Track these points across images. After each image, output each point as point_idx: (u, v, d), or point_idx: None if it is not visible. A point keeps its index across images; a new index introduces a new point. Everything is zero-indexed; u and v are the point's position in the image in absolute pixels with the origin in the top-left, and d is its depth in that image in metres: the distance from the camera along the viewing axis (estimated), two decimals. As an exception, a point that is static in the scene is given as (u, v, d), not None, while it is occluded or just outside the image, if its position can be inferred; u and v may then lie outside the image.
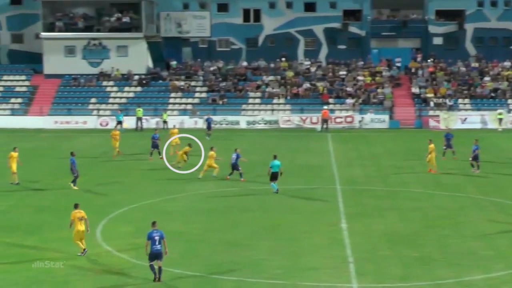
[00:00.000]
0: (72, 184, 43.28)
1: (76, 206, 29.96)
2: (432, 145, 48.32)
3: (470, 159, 48.49)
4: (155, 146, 53.70)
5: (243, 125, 76.38)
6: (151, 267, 26.39)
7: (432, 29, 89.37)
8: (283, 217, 36.37)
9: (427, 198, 40.78)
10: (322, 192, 42.63)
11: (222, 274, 27.18)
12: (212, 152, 46.60)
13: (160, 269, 26.30)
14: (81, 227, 29.30)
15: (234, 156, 46.39)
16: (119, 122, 72.11)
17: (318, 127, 74.93)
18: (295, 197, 41.09)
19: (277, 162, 41.68)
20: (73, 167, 43.17)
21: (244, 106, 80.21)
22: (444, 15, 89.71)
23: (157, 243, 26.42)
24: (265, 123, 76.93)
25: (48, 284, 26.44)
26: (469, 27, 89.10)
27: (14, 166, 44.74)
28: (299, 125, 76.43)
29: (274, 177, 41.51)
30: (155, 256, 26.35)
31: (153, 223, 27.02)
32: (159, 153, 53.72)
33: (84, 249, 29.27)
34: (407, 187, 44.04)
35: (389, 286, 26.20)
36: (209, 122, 66.64)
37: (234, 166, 46.20)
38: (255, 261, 28.86)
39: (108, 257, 29.36)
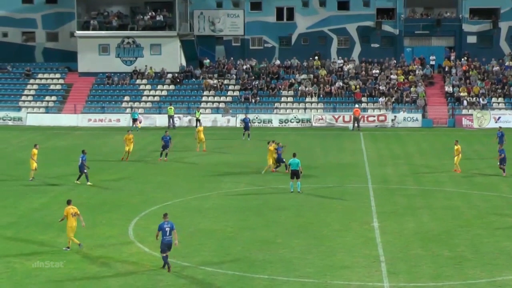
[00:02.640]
0: (78, 182, 44.40)
1: (68, 202, 30.52)
2: (458, 146, 48.26)
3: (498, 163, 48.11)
4: (165, 147, 53.50)
5: (275, 123, 76.57)
6: (164, 258, 27.18)
7: (466, 27, 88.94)
8: (316, 215, 36.54)
9: (460, 197, 40.69)
10: (354, 190, 42.82)
11: (254, 272, 27.36)
12: (271, 147, 47.71)
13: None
14: (74, 222, 29.96)
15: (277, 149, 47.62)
16: (134, 120, 73.64)
17: (350, 125, 75.03)
18: (328, 196, 41.16)
19: (296, 160, 41.91)
20: (83, 164, 44.05)
21: (276, 105, 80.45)
22: (478, 13, 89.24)
23: (167, 234, 27.32)
24: (297, 122, 77.06)
25: (80, 280, 26.72)
26: (504, 25, 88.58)
27: (33, 163, 45.66)
28: (331, 124, 76.51)
29: (293, 174, 41.75)
30: (166, 246, 27.22)
31: (165, 215, 27.92)
32: (166, 155, 53.54)
33: (79, 244, 29.98)
34: (440, 186, 44.03)
35: (421, 285, 26.14)
36: (246, 122, 66.35)
37: (279, 160, 47.30)
38: (287, 259, 29.00)
39: (140, 255, 29.61)
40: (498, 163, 47.54)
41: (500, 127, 59.43)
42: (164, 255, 27.25)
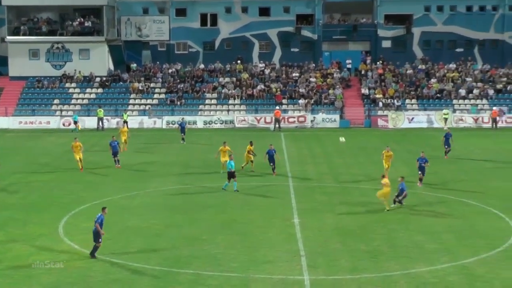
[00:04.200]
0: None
1: None
2: (390, 153, 47.70)
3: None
4: (116, 153, 51.39)
5: (200, 125, 77.55)
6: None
7: (381, 32, 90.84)
8: (240, 213, 37.29)
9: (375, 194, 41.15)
10: (276, 188, 43.54)
11: (180, 267, 27.88)
12: (224, 147, 47.58)
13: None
14: None
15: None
16: (75, 122, 74.33)
17: (272, 126, 76.48)
18: (251, 194, 41.96)
19: (232, 162, 42.72)
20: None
21: (201, 107, 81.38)
22: (393, 19, 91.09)
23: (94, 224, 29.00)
24: (221, 123, 78.19)
25: (11, 277, 27.13)
26: (416, 31, 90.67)
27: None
28: (254, 125, 77.74)
29: (230, 175, 42.53)
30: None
31: (103, 209, 29.54)
32: (118, 161, 51.45)
33: None
34: (357, 183, 45.16)
35: (339, 278, 26.79)
36: (182, 126, 65.57)
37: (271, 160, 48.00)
38: (212, 255, 29.62)
39: (70, 252, 30.03)
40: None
41: (448, 128, 58.75)
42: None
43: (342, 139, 51.81)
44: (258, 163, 49.09)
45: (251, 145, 49.32)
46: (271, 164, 48.05)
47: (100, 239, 28.75)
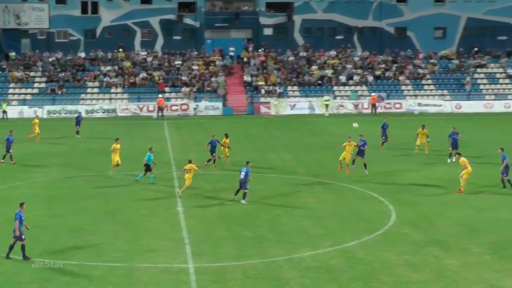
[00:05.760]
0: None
1: None
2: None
3: (450, 148, 49.38)
4: (9, 148, 48.63)
5: (82, 114, 76.33)
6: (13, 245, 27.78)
7: (263, 20, 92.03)
8: (124, 202, 37.20)
9: (260, 180, 41.85)
10: (160, 176, 43.50)
11: (64, 258, 27.50)
12: (116, 145, 44.94)
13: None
14: None
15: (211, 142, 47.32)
16: None
17: (155, 114, 76.30)
18: (135, 183, 41.79)
19: (151, 154, 42.22)
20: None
21: (82, 96, 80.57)
22: (274, 7, 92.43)
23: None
24: (103, 112, 77.65)
25: None
26: (297, 18, 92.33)
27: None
28: (136, 113, 77.51)
29: (147, 169, 42.12)
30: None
31: (21, 204, 28.55)
32: (11, 157, 48.61)
33: None
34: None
35: (224, 265, 26.97)
36: (79, 119, 62.39)
37: (212, 151, 47.05)
38: (96, 245, 29.44)
39: None
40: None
41: (385, 119, 58.11)
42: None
43: (355, 124, 51.51)
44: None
45: (227, 138, 48.44)
46: (213, 155, 47.43)
47: (23, 236, 27.92)
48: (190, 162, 39.05)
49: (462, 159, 40.01)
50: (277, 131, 64.46)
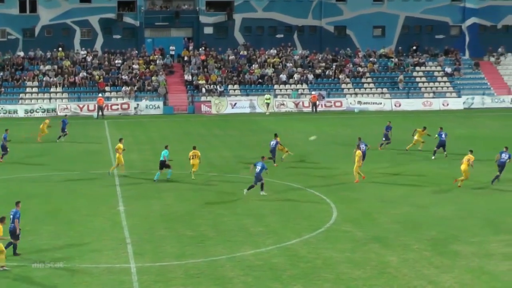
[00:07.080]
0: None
1: None
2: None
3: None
4: (4, 149, 48.68)
5: (21, 113, 76.03)
6: (9, 244, 27.48)
7: (203, 19, 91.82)
8: (65, 202, 36.93)
9: (204, 181, 42.04)
10: (101, 176, 43.34)
11: (5, 260, 26.83)
12: (120, 145, 44.44)
13: (14, 245, 27.74)
14: None
15: (273, 142, 47.45)
16: None
17: (95, 114, 75.80)
18: (76, 183, 41.64)
19: (165, 151, 42.19)
20: None
21: (21, 95, 79.62)
22: (214, 6, 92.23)
23: (11, 221, 27.89)
24: (43, 112, 76.70)
25: None
26: (238, 17, 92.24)
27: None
28: (76, 113, 76.78)
29: (162, 165, 42.02)
30: (9, 233, 27.70)
31: (17, 203, 28.56)
32: (2, 157, 48.55)
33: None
34: (184, 169, 44.76)
35: (166, 264, 26.91)
36: (65, 123, 59.11)
37: (272, 152, 47.16)
38: (37, 246, 29.12)
39: None
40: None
41: (389, 121, 55.94)
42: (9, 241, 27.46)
43: (312, 137, 51.26)
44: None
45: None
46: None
47: (19, 236, 27.69)
48: (194, 148, 41.83)
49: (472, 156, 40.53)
50: (218, 130, 64.55)
